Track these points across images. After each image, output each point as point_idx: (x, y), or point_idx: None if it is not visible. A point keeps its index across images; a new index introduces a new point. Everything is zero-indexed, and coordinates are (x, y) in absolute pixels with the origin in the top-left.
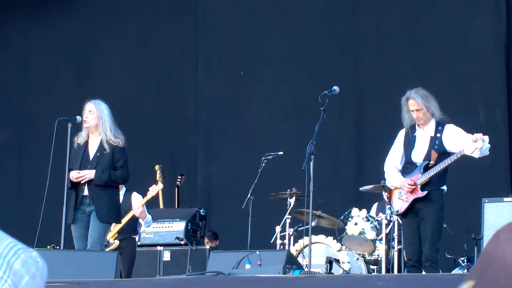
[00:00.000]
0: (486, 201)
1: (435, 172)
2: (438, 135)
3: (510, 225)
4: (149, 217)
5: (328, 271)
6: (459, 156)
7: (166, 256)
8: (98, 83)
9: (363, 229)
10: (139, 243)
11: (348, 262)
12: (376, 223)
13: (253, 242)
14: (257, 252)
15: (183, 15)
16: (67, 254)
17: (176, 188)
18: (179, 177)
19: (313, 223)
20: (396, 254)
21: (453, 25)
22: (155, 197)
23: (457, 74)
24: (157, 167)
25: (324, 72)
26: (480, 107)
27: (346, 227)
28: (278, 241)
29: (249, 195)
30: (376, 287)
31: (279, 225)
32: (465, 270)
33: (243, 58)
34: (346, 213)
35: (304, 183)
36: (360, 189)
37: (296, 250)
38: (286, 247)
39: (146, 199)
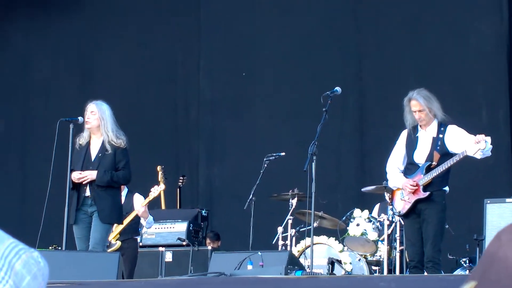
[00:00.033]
0: (488, 202)
1: (437, 173)
2: (441, 136)
3: (511, 226)
4: (150, 217)
5: (330, 272)
6: (461, 157)
7: (168, 257)
8: (100, 84)
9: (365, 230)
10: (141, 244)
11: (350, 263)
12: (378, 224)
13: (255, 243)
14: (259, 253)
15: (185, 16)
16: (69, 255)
17: (178, 189)
18: (181, 178)
19: (315, 224)
20: (398, 255)
21: (455, 26)
22: (157, 198)
23: (459, 75)
24: (159, 168)
25: (326, 73)
26: (482, 108)
27: (348, 228)
28: (280, 242)
29: (251, 196)
30: None
31: (281, 226)
32: (467, 271)
33: (245, 59)
34: (348, 214)
35: (306, 184)
36: (362, 190)
37: (298, 251)
38: (288, 248)
39: (148, 199)
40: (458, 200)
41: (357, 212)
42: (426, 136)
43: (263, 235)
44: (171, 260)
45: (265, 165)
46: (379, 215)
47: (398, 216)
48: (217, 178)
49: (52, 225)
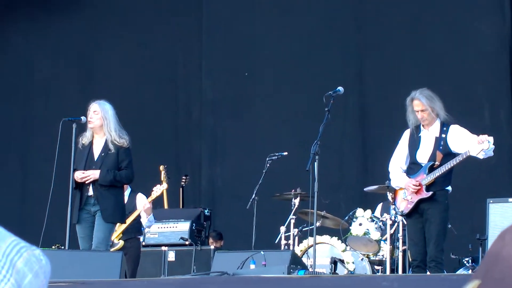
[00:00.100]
0: (491, 201)
1: (440, 173)
2: (443, 135)
3: None
4: (151, 216)
5: (333, 271)
6: (464, 157)
7: (171, 256)
8: (102, 85)
9: (367, 229)
10: (143, 243)
11: (353, 263)
12: (380, 223)
13: (257, 243)
14: (262, 252)
15: (186, 16)
16: (72, 254)
17: (181, 189)
18: (183, 177)
19: (318, 224)
20: (400, 254)
21: (457, 26)
22: (160, 198)
23: (461, 75)
24: (161, 167)
25: (327, 73)
26: (484, 108)
27: (350, 227)
28: (283, 242)
29: (253, 195)
30: None
31: (284, 226)
32: (470, 270)
33: (247, 60)
34: (350, 213)
35: (308, 183)
36: (365, 189)
37: (301, 251)
38: (291, 248)
39: (151, 198)
40: (460, 200)
41: (359, 211)
42: (428, 135)
43: (265, 234)
44: (174, 259)
45: (268, 165)
46: (381, 215)
47: (401, 215)
48: (219, 177)
49: (55, 224)
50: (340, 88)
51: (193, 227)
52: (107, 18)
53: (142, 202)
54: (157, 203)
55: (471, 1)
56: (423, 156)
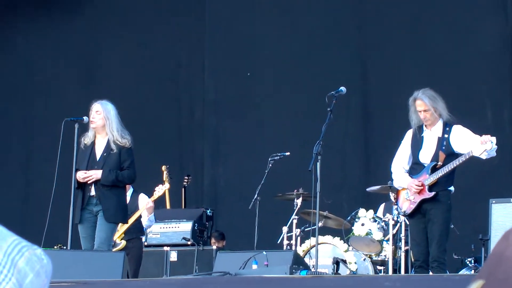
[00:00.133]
0: (494, 202)
1: (443, 173)
2: (446, 135)
3: None
4: (152, 216)
5: (335, 271)
6: (467, 157)
7: (173, 256)
8: (104, 85)
9: (370, 229)
10: (146, 243)
11: (355, 263)
12: (383, 223)
13: (260, 243)
14: (264, 252)
15: (189, 17)
16: (74, 254)
17: (183, 189)
18: (186, 177)
19: (320, 224)
20: (403, 254)
21: (460, 26)
22: (162, 198)
23: (464, 75)
24: (164, 167)
25: (330, 73)
26: (487, 108)
27: (353, 227)
28: (285, 242)
29: (256, 195)
30: None
31: (286, 226)
32: (473, 271)
33: (249, 60)
34: (353, 213)
35: (311, 183)
36: (367, 189)
37: (303, 251)
38: (293, 248)
39: (153, 198)
40: (463, 200)
41: (362, 212)
42: (431, 136)
43: (268, 234)
44: (176, 259)
45: (270, 165)
46: (384, 215)
47: (403, 216)
48: (221, 177)
49: (57, 224)
50: (343, 88)
51: (195, 227)
52: (109, 18)
53: (144, 203)
54: (159, 203)
55: (474, 1)
56: (425, 156)
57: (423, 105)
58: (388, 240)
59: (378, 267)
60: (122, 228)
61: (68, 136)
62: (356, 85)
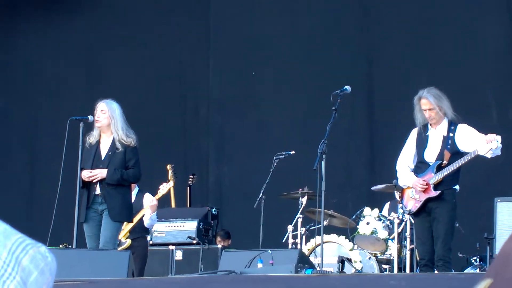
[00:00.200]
0: (499, 200)
1: (448, 172)
2: (451, 134)
3: None
4: (154, 215)
5: (340, 270)
6: (473, 156)
7: (178, 255)
8: (110, 84)
9: (375, 228)
10: (151, 242)
11: (360, 262)
12: (388, 222)
13: (265, 241)
14: (269, 251)
15: (195, 16)
16: (80, 253)
17: (188, 188)
18: (191, 176)
19: (325, 223)
20: (408, 253)
21: (465, 25)
22: (167, 197)
23: (469, 75)
24: (169, 166)
25: (335, 72)
26: (492, 108)
27: (358, 226)
28: (290, 240)
29: (261, 194)
30: (388, 286)
31: (291, 224)
32: (478, 269)
33: (254, 59)
34: (358, 212)
35: (316, 182)
36: (372, 188)
37: (308, 249)
38: (298, 246)
39: (157, 196)
40: (468, 199)
41: (367, 210)
42: (436, 134)
43: (273, 233)
44: (181, 258)
45: (275, 164)
46: (389, 214)
47: (408, 214)
48: (226, 176)
49: (62, 223)
50: (347, 87)
51: (201, 226)
52: (114, 17)
53: (149, 202)
54: (164, 202)
55: (479, 1)
56: (430, 155)
57: (428, 104)
58: (393, 238)
59: (383, 266)
60: (127, 227)
61: (73, 135)
62: (361, 84)
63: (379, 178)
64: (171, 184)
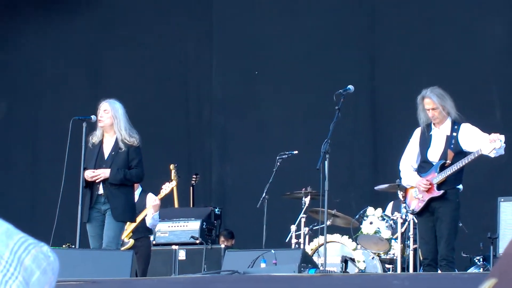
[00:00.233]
0: (502, 200)
1: (451, 172)
2: (454, 134)
3: None
4: (156, 215)
5: (344, 270)
6: (476, 156)
7: (181, 255)
8: (113, 83)
9: (378, 228)
10: (154, 242)
11: (364, 261)
12: (391, 222)
13: (268, 241)
14: (272, 251)
15: (197, 16)
16: (83, 253)
17: (191, 188)
18: (194, 176)
19: (328, 222)
20: (411, 253)
21: (468, 25)
22: (170, 196)
23: (473, 74)
24: (172, 166)
25: (338, 72)
26: (496, 107)
27: (361, 226)
28: (293, 240)
29: (264, 194)
30: (392, 286)
31: (294, 224)
32: (481, 269)
33: (257, 59)
34: (361, 212)
35: (319, 182)
36: (376, 188)
37: (311, 249)
38: (301, 246)
39: (160, 196)
40: (471, 199)
41: (370, 210)
42: (439, 134)
43: (276, 233)
44: (184, 258)
45: (278, 163)
46: (392, 213)
47: (412, 214)
48: (229, 176)
49: (65, 223)
50: (350, 87)
51: (204, 226)
52: (117, 17)
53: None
54: (167, 202)
55: (482, 1)
56: (434, 154)
57: (431, 103)
58: (396, 238)
59: (387, 266)
60: (130, 227)
61: (76, 135)
62: (364, 84)
63: (383, 177)
64: (174, 184)
